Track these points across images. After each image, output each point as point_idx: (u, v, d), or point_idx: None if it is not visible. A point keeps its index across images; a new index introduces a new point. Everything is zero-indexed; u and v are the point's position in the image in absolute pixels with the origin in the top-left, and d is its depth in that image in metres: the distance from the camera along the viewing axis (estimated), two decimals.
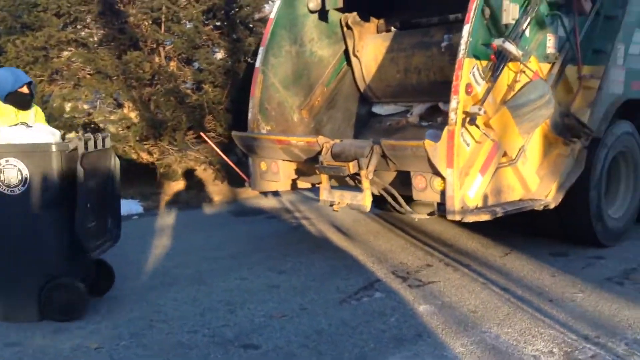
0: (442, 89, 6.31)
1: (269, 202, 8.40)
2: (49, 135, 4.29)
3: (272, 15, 6.40)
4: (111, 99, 8.83)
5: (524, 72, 5.02)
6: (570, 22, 5.39)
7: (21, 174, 3.94)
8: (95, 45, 8.75)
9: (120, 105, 9.39)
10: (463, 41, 4.66)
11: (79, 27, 8.84)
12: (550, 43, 5.38)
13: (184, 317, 4.13)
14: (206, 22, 9.55)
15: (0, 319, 4.05)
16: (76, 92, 8.60)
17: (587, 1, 5.41)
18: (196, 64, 9.71)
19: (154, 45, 9.26)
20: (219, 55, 10.05)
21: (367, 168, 4.76)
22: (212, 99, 8.99)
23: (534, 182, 5.28)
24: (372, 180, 4.85)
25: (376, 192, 5.02)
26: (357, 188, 5.26)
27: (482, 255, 5.60)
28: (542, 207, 5.13)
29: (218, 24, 9.77)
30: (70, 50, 8.70)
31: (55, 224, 4.06)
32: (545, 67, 5.34)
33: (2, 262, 4.05)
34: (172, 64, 9.49)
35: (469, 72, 4.63)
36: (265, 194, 7.85)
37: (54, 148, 4.00)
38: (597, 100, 5.61)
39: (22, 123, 4.36)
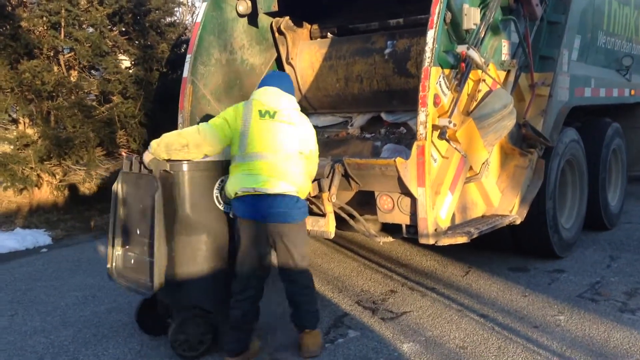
0: (384, 98, 6.00)
1: None
2: None
3: (199, 19, 5.73)
4: (5, 115, 7.75)
5: (484, 80, 4.73)
6: (522, 27, 5.19)
7: None
8: None
9: (14, 122, 8.32)
10: (428, 48, 4.25)
11: None
12: (505, 49, 5.14)
13: None
14: (112, 26, 8.67)
15: None
16: None
17: (539, 6, 5.22)
18: (99, 73, 8.80)
19: (51, 53, 8.27)
20: (126, 63, 9.18)
21: (329, 190, 4.27)
22: (124, 112, 8.13)
23: (496, 196, 5.03)
24: (334, 202, 4.37)
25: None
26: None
27: (442, 275, 5.27)
28: (508, 223, 4.87)
29: (124, 29, 8.91)
30: None
31: None
32: (502, 74, 5.09)
33: None
34: (73, 73, 8.53)
35: (435, 81, 4.25)
36: None
37: None
38: (548, 109, 5.44)
39: None
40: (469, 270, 5.35)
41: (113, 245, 3.99)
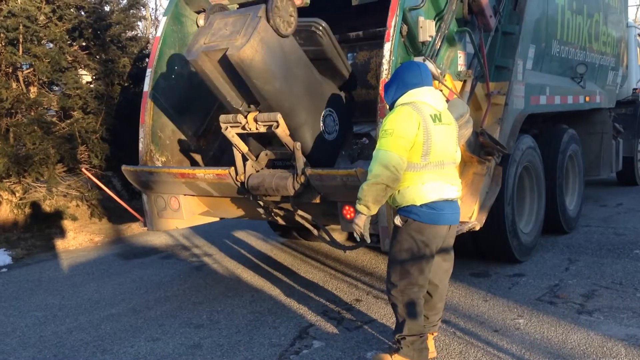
0: None
1: (159, 239, 7.59)
2: None
3: (159, 34, 5.75)
4: None
5: (441, 91, 4.83)
6: (477, 38, 5.32)
7: None
8: None
9: None
10: (385, 60, 4.35)
11: None
12: (461, 60, 5.27)
13: None
14: (71, 42, 8.58)
15: None
16: None
17: (492, 17, 5.37)
18: (59, 88, 8.68)
19: (10, 70, 8.15)
20: (87, 78, 9.09)
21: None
22: (85, 127, 8.03)
23: None
24: (297, 213, 4.41)
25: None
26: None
27: None
28: (468, 230, 4.96)
29: (84, 44, 8.83)
30: None
31: None
32: (459, 84, 5.21)
33: None
34: (33, 89, 8.41)
35: None
36: None
37: None
38: (504, 117, 5.58)
39: None
40: None
41: None
